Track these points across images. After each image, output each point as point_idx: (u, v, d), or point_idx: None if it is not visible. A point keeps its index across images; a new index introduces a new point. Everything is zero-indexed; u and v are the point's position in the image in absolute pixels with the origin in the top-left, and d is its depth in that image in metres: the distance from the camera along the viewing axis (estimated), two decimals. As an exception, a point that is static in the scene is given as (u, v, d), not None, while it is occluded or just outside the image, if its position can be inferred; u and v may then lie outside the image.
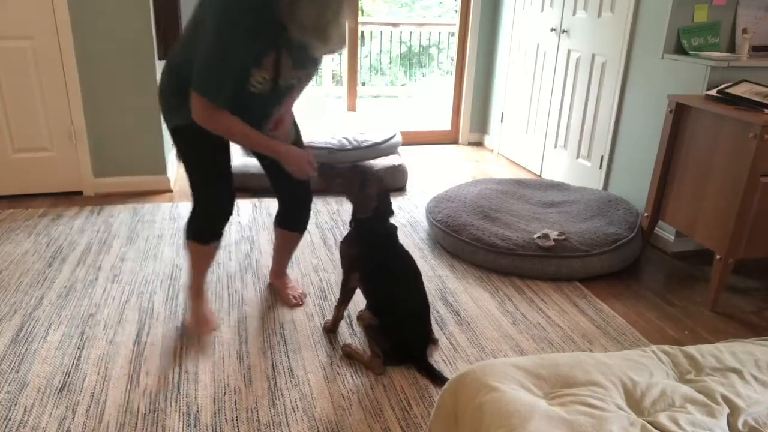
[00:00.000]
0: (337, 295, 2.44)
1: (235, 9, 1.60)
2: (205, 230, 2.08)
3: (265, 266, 2.64)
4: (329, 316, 2.29)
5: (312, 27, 1.60)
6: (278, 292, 2.44)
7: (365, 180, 1.95)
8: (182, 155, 1.99)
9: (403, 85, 7.33)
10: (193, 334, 2.15)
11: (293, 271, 2.62)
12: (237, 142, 1.87)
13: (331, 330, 2.19)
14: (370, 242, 2.00)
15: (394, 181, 3.76)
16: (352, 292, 2.12)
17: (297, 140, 2.13)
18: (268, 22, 1.62)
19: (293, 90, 1.92)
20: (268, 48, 1.70)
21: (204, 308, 2.20)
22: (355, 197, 1.97)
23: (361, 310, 2.07)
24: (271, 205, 3.33)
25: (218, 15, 1.63)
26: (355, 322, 2.25)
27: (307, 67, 1.87)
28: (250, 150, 2.01)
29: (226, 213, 2.07)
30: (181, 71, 1.76)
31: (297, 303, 2.39)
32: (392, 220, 2.04)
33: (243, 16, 1.60)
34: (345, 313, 2.32)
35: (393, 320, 1.94)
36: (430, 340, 2.11)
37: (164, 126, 3.53)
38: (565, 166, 3.88)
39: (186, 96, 1.72)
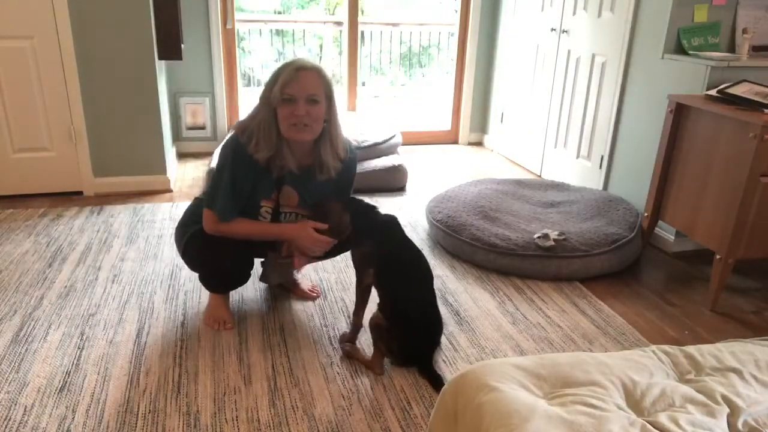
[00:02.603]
0: (338, 296, 2.45)
1: (232, 146, 1.97)
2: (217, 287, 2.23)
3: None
4: (329, 317, 2.29)
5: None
6: (293, 291, 2.45)
7: (329, 213, 2.00)
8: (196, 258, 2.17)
9: (403, 85, 7.32)
10: (210, 326, 2.18)
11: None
12: (245, 239, 2.06)
13: (350, 340, 2.10)
14: (375, 235, 1.98)
15: (394, 181, 3.76)
16: (368, 291, 2.06)
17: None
18: (262, 168, 1.97)
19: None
20: (273, 181, 2.00)
21: (222, 305, 2.22)
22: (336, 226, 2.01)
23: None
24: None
25: (222, 148, 2.02)
26: (355, 322, 2.25)
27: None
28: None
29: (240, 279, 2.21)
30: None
31: (317, 294, 2.43)
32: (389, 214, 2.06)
33: (238, 162, 1.95)
34: (346, 313, 2.32)
35: (403, 324, 1.92)
36: (437, 346, 2.08)
37: (164, 126, 3.56)
38: (565, 166, 3.88)
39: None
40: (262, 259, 2.25)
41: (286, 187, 2.04)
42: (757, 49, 2.91)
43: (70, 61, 3.20)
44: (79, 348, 2.05)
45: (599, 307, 2.46)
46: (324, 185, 2.06)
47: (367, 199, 3.55)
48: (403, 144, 4.55)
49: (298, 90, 1.87)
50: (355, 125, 4.08)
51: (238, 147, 1.95)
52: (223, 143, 2.04)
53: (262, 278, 2.30)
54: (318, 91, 1.90)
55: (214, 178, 1.99)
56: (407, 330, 1.93)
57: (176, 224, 2.22)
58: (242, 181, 1.97)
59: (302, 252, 2.08)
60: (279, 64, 1.96)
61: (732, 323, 2.40)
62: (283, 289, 2.46)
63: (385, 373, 1.97)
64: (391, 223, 2.04)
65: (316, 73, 1.90)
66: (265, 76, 6.88)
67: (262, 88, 1.98)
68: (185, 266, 2.25)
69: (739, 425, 1.24)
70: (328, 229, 2.00)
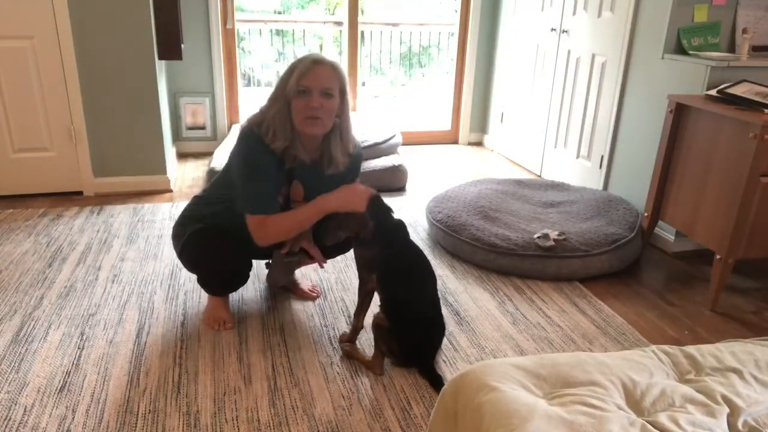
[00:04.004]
0: (338, 296, 2.45)
1: (248, 137, 1.94)
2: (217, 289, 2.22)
3: (263, 266, 2.63)
4: (329, 317, 2.29)
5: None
6: (293, 291, 2.45)
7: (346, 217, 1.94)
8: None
9: (403, 85, 7.33)
10: (210, 326, 2.18)
11: (293, 271, 2.62)
12: (295, 232, 1.99)
13: (349, 340, 2.09)
14: (382, 240, 1.96)
15: (394, 181, 3.76)
16: (371, 296, 2.05)
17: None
18: (275, 155, 1.93)
19: None
20: (283, 173, 1.98)
21: (221, 305, 2.22)
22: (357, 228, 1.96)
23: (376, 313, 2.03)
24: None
25: (238, 142, 1.97)
26: (355, 322, 2.24)
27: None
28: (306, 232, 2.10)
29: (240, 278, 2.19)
30: (209, 201, 2.12)
31: (317, 294, 2.43)
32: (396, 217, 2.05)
33: (259, 148, 1.92)
34: (346, 313, 2.32)
35: (404, 325, 1.91)
36: (439, 347, 2.08)
37: (164, 126, 3.56)
38: (565, 166, 3.88)
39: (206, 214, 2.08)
40: (267, 261, 2.25)
41: (294, 181, 2.04)
42: (757, 49, 2.91)
43: (70, 61, 3.20)
44: (79, 348, 2.05)
45: (599, 307, 2.46)
46: (331, 179, 2.05)
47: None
48: (403, 144, 4.55)
49: (314, 82, 1.87)
50: (355, 125, 4.07)
51: (253, 137, 1.93)
52: (237, 140, 1.99)
53: (269, 278, 2.30)
54: (332, 84, 1.90)
55: (242, 178, 1.93)
56: (409, 331, 1.93)
57: (174, 223, 2.22)
58: (270, 169, 1.93)
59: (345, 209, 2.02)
60: (281, 64, 1.95)
61: (732, 323, 2.40)
62: (284, 289, 2.46)
63: (385, 373, 1.97)
64: (398, 227, 2.02)
65: (332, 67, 1.91)
66: (265, 76, 6.91)
67: (263, 89, 1.97)
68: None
69: (739, 425, 1.24)
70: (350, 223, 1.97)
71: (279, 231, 1.95)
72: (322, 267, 2.25)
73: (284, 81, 1.92)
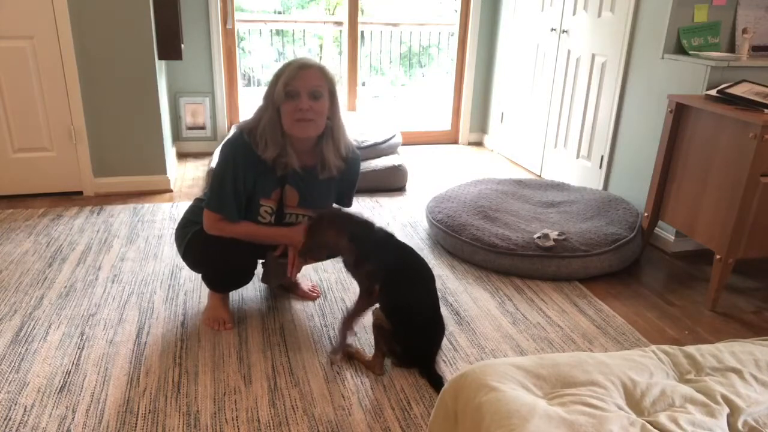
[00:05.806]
0: (338, 296, 2.45)
1: (236, 144, 1.97)
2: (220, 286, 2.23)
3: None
4: (329, 317, 2.29)
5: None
6: (293, 291, 2.45)
7: (326, 235, 1.92)
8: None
9: (403, 85, 7.33)
10: (210, 326, 2.18)
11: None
12: (247, 240, 2.05)
13: (342, 351, 2.05)
14: (379, 255, 1.92)
15: (394, 181, 3.76)
16: (375, 302, 1.98)
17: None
18: (263, 163, 1.96)
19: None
20: (274, 180, 2.00)
21: (221, 305, 2.22)
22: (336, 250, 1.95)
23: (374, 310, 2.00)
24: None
25: (224, 146, 2.02)
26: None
27: (313, 208, 2.09)
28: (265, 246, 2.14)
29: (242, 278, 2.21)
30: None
31: (316, 294, 2.43)
32: (390, 222, 2.03)
33: (240, 150, 1.96)
34: (346, 313, 2.32)
35: (405, 327, 1.91)
36: (439, 348, 2.07)
37: (164, 126, 3.56)
38: (565, 166, 3.88)
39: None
40: (263, 260, 2.26)
41: (287, 187, 2.04)
42: (757, 49, 2.91)
43: (70, 61, 3.20)
44: (79, 348, 2.05)
45: (599, 307, 2.46)
46: (326, 184, 2.06)
47: (368, 200, 3.56)
48: (403, 144, 4.55)
49: (301, 84, 1.87)
50: (355, 125, 4.08)
51: (241, 146, 1.95)
52: (224, 142, 2.03)
53: (263, 279, 2.30)
54: (321, 85, 1.89)
55: (216, 178, 1.99)
56: (410, 332, 1.93)
57: (176, 225, 2.22)
58: (244, 181, 1.97)
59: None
60: (280, 64, 1.96)
61: (732, 323, 2.40)
62: (283, 289, 2.47)
63: (385, 373, 1.97)
64: (389, 237, 1.99)
65: (319, 69, 1.91)
66: (265, 76, 6.90)
67: (263, 89, 1.98)
68: (185, 266, 2.25)
69: (739, 425, 1.24)
70: (324, 249, 1.97)
71: (231, 234, 2.02)
72: (293, 280, 2.29)
73: (272, 87, 1.92)
